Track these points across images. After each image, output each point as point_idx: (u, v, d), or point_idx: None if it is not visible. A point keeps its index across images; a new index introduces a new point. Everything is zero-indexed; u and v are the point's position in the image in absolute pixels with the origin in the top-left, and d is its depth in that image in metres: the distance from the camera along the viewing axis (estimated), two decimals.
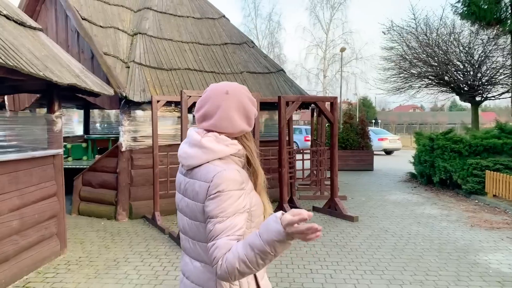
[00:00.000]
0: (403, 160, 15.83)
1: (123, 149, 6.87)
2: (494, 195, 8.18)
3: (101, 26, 7.30)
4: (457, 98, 14.34)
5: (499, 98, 13.23)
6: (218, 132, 1.45)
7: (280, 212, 1.24)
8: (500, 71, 12.44)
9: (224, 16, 9.39)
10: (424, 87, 13.82)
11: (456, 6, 11.62)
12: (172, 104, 6.89)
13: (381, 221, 6.86)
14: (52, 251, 4.87)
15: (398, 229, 6.35)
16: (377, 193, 9.44)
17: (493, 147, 8.74)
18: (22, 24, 4.49)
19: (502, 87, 12.76)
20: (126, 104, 6.81)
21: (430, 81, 13.48)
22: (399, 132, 43.90)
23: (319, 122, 9.79)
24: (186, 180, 1.48)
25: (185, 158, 1.47)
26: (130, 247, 5.46)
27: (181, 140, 5.46)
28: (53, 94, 4.96)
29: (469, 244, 5.59)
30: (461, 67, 12.77)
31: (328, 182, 7.62)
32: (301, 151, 8.88)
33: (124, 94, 6.48)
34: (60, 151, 5.05)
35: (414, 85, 13.86)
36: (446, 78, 12.79)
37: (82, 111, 11.47)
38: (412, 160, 11.38)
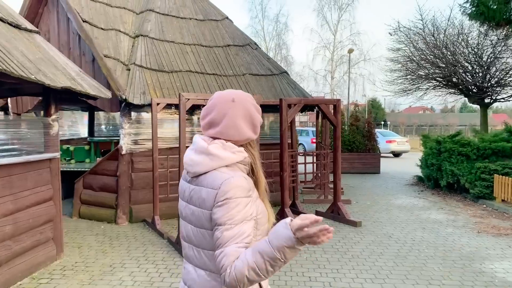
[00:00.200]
0: (411, 162, 15.59)
1: (123, 152, 6.81)
2: (503, 200, 7.96)
3: (102, 29, 7.26)
4: (466, 99, 14.09)
5: (509, 100, 12.97)
6: (225, 140, 1.45)
7: (289, 218, 1.25)
8: (510, 72, 12.18)
9: (227, 17, 9.31)
10: (431, 89, 13.58)
11: (464, 7, 11.40)
12: (173, 107, 6.81)
13: (385, 226, 6.71)
14: (48, 256, 4.82)
15: (402, 235, 6.20)
16: (382, 197, 9.28)
17: (501, 151, 8.52)
18: (17, 26, 4.44)
19: (511, 89, 12.51)
20: (127, 107, 6.76)
21: (437, 83, 13.25)
22: (409, 134, 43.45)
23: (324, 124, 9.66)
24: (191, 187, 1.48)
25: (191, 165, 1.46)
26: (128, 252, 5.39)
27: (180, 143, 5.38)
28: (50, 97, 4.91)
29: (475, 251, 5.42)
30: (470, 68, 12.53)
31: (332, 186, 7.50)
32: (303, 154, 8.75)
33: (124, 97, 6.42)
34: (57, 154, 5.00)
35: (421, 87, 13.63)
36: (454, 79, 12.55)
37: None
38: (419, 163, 11.18)
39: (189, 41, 8.18)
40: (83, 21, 7.00)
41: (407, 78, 13.61)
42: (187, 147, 5.63)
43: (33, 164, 4.58)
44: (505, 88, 12.39)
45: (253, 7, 36.16)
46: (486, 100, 12.79)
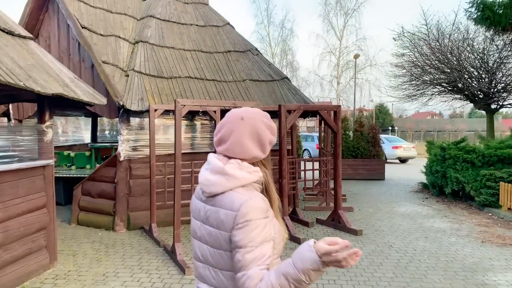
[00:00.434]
0: (417, 169, 15.39)
1: (121, 158, 6.76)
2: (509, 208, 7.77)
3: (101, 35, 7.24)
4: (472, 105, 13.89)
5: None
6: (228, 157, 1.45)
7: (312, 240, 1.27)
8: None
9: (228, 23, 9.27)
10: (437, 94, 13.40)
11: (470, 11, 11.25)
12: (171, 113, 6.76)
13: (387, 235, 6.56)
14: (40, 264, 4.76)
15: (403, 244, 6.05)
16: (386, 204, 9.12)
17: (508, 158, 8.33)
18: (10, 33, 4.42)
19: None
20: (125, 113, 6.72)
21: (443, 88, 13.06)
22: (417, 140, 43.04)
23: (326, 130, 9.55)
24: (207, 207, 1.46)
25: (207, 185, 1.45)
26: (122, 261, 5.31)
27: (175, 150, 5.31)
28: (44, 103, 4.87)
29: (478, 262, 5.26)
30: (475, 73, 12.34)
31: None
32: (303, 160, 8.63)
33: (122, 103, 6.38)
34: (51, 161, 4.95)
35: (426, 93, 13.45)
36: (459, 85, 12.37)
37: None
38: (424, 170, 11.00)
39: (189, 47, 8.14)
40: (82, 27, 6.99)
41: (411, 84, 13.44)
42: (184, 153, 5.53)
43: (26, 171, 4.53)
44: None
45: (258, 13, 36.17)
46: (493, 106, 12.57)
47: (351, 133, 13.89)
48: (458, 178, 8.85)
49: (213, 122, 7.24)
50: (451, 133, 45.07)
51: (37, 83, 3.95)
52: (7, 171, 4.21)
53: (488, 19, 10.55)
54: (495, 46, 12.02)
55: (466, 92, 12.60)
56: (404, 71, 13.36)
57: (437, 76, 12.63)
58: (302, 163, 8.47)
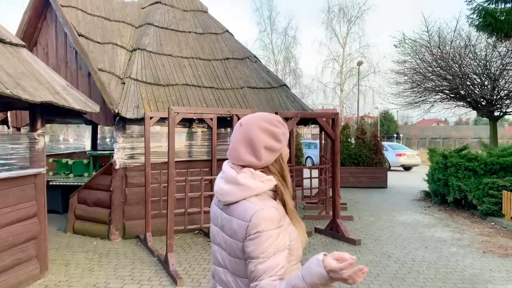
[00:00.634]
0: (421, 177, 15.21)
1: (117, 166, 6.70)
2: None
3: (98, 42, 7.23)
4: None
5: None
6: (242, 165, 1.46)
7: (322, 253, 1.26)
8: None
9: (227, 31, 9.24)
10: (439, 101, 13.26)
11: (471, 18, 11.17)
12: (166, 120, 6.69)
13: (386, 244, 6.43)
14: (30, 274, 4.68)
15: (402, 254, 5.92)
16: (387, 213, 8.98)
17: (510, 166, 8.17)
18: (1, 40, 4.39)
19: None
20: (121, 121, 6.67)
21: (445, 95, 12.93)
22: (422, 147, 42.71)
23: (326, 137, 9.44)
24: (223, 216, 1.48)
25: (221, 195, 1.47)
26: (115, 271, 5.23)
27: (169, 158, 5.24)
28: (36, 111, 4.84)
29: (479, 273, 5.12)
30: (478, 80, 12.20)
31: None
32: (300, 168, 8.54)
33: (117, 111, 6.34)
34: (42, 170, 4.90)
35: (428, 100, 13.32)
36: (461, 92, 12.23)
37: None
38: (426, 178, 10.85)
39: (187, 54, 8.11)
40: (79, 35, 6.98)
41: (413, 91, 13.32)
42: (181, 161, 5.55)
43: (16, 180, 4.48)
44: None
45: (261, 20, 36.11)
46: (496, 113, 12.41)
47: (353, 141, 13.77)
48: (460, 187, 8.70)
49: (210, 129, 7.19)
50: (457, 140, 44.70)
51: (26, 91, 3.90)
52: None
53: (490, 25, 10.46)
54: (497, 53, 11.89)
55: (468, 99, 12.46)
56: (406, 78, 13.25)
57: (439, 83, 12.51)
58: (303, 170, 8.38)
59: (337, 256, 1.23)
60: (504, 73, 11.88)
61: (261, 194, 1.43)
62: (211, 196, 6.61)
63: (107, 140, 14.32)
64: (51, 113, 5.10)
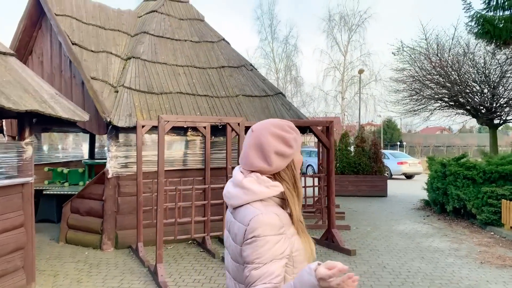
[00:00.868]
0: (423, 185, 15.09)
1: (109, 175, 6.65)
2: None
3: (92, 51, 7.22)
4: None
5: None
6: (251, 170, 1.45)
7: (316, 262, 1.24)
8: None
9: (223, 39, 9.23)
10: (439, 109, 13.16)
11: (470, 25, 11.11)
12: None
13: (382, 255, 6.31)
14: (16, 286, 4.60)
15: (397, 265, 5.80)
16: (385, 222, 8.85)
17: (509, 174, 8.05)
18: None
19: None
20: (114, 129, 6.63)
21: (444, 103, 12.84)
22: (426, 155, 42.45)
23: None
24: (231, 219, 1.49)
25: (228, 198, 1.49)
26: (103, 282, 5.14)
27: (158, 167, 5.17)
28: (24, 120, 4.79)
29: (475, 285, 4.99)
30: (477, 88, 12.11)
31: (335, 209, 7.16)
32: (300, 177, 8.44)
33: (109, 119, 6.30)
34: (30, 179, 4.84)
35: (428, 107, 13.23)
36: (461, 99, 12.14)
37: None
38: (425, 187, 10.73)
39: (182, 62, 8.08)
40: (73, 44, 6.97)
41: (412, 99, 13.24)
42: (175, 170, 5.54)
43: (2, 189, 4.42)
44: None
45: (262, 29, 36.05)
46: (496, 121, 12.29)
47: (352, 149, 13.68)
48: (459, 195, 8.57)
49: (204, 138, 7.13)
50: (461, 148, 44.41)
51: (10, 99, 3.87)
52: None
53: (489, 33, 10.39)
54: (496, 60, 11.81)
55: (468, 107, 12.36)
56: (405, 85, 13.19)
57: (438, 90, 12.43)
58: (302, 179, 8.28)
59: (329, 265, 1.21)
60: (504, 80, 11.79)
61: (267, 200, 1.41)
62: (204, 206, 6.54)
63: (106, 148, 14.27)
64: (41, 122, 5.07)
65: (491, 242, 7.08)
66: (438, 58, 12.20)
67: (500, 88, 11.87)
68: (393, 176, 19.80)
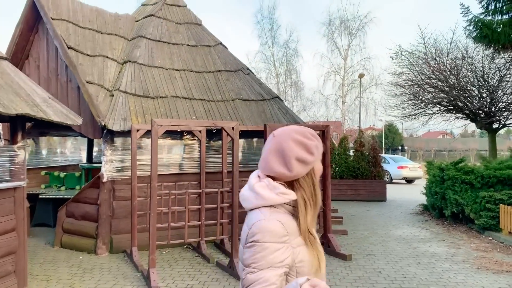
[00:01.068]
0: (422, 190, 15.02)
1: (104, 179, 6.63)
2: (510, 232, 7.41)
3: (88, 55, 7.22)
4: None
5: None
6: (268, 175, 1.45)
7: (305, 278, 1.25)
8: None
9: (220, 43, 9.23)
10: (437, 113, 13.12)
11: (468, 29, 11.09)
12: None
13: (378, 260, 6.26)
14: None
15: (393, 270, 5.74)
16: (383, 227, 8.80)
17: (507, 179, 8.00)
18: None
19: None
20: (109, 133, 6.62)
21: (443, 107, 12.80)
22: (427, 159, 42.28)
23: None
24: (245, 221, 1.50)
25: (242, 200, 1.49)
26: (96, 287, 5.11)
27: (151, 171, 5.15)
28: (16, 124, 4.79)
29: None
30: (476, 92, 12.07)
31: (333, 214, 7.14)
32: None
33: (103, 123, 6.28)
34: (22, 183, 4.82)
35: (426, 112, 13.19)
36: (459, 104, 12.10)
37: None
38: (424, 191, 10.67)
39: (179, 66, 8.08)
40: (69, 48, 6.98)
41: (410, 103, 13.21)
42: (170, 174, 5.53)
43: None
44: None
45: (263, 33, 36.03)
46: (495, 125, 12.24)
47: (351, 153, 13.64)
48: (457, 200, 8.52)
49: (199, 142, 7.11)
50: (462, 153, 44.23)
51: (0, 103, 3.85)
52: None
53: (487, 37, 10.37)
54: (495, 65, 11.78)
55: (466, 111, 12.32)
56: (403, 90, 13.16)
57: (437, 95, 12.39)
58: None
59: (313, 284, 1.21)
60: (502, 84, 11.75)
61: (277, 206, 1.40)
62: (199, 210, 6.50)
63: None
64: (38, 126, 5.06)
65: (488, 247, 7.02)
66: (436, 62, 12.17)
67: (498, 92, 11.83)
68: (394, 181, 19.74)
